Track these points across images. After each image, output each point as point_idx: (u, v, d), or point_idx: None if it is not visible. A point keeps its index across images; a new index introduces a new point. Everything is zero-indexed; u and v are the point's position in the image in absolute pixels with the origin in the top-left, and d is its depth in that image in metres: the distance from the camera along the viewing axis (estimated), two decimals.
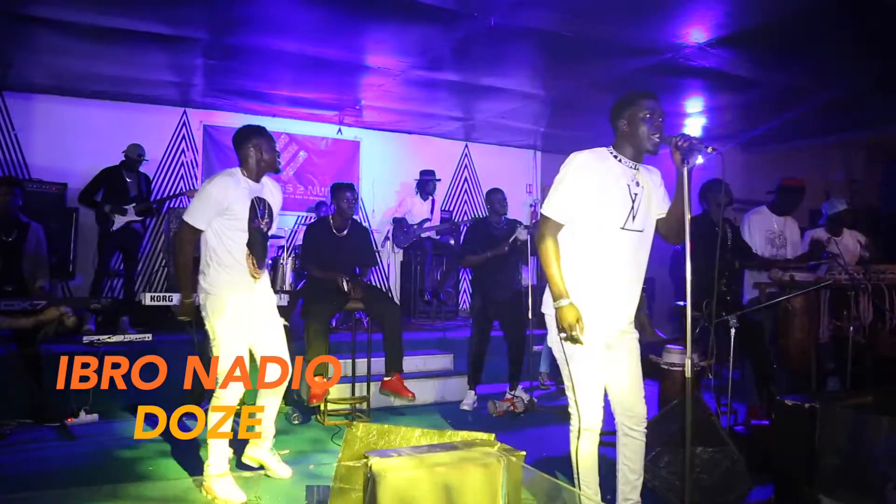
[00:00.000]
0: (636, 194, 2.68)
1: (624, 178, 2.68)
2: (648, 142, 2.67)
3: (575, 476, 2.70)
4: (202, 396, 5.07)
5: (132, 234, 6.14)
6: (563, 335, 2.60)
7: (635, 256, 2.72)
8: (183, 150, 7.77)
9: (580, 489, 2.67)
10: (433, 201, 8.01)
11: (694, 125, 7.58)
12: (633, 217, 2.67)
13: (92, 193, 6.06)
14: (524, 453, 2.21)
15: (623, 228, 2.66)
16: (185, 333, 5.05)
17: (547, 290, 2.79)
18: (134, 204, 6.05)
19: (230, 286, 3.42)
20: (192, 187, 7.59)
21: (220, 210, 3.35)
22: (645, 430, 2.77)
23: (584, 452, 2.69)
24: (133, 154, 6.14)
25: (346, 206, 4.96)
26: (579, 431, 2.68)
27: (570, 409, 2.74)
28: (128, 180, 6.13)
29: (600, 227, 2.66)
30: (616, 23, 4.68)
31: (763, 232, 4.94)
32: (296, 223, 8.15)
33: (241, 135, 3.54)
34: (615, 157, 2.72)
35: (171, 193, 7.01)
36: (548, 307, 2.76)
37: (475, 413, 5.44)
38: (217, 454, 3.41)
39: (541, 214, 2.76)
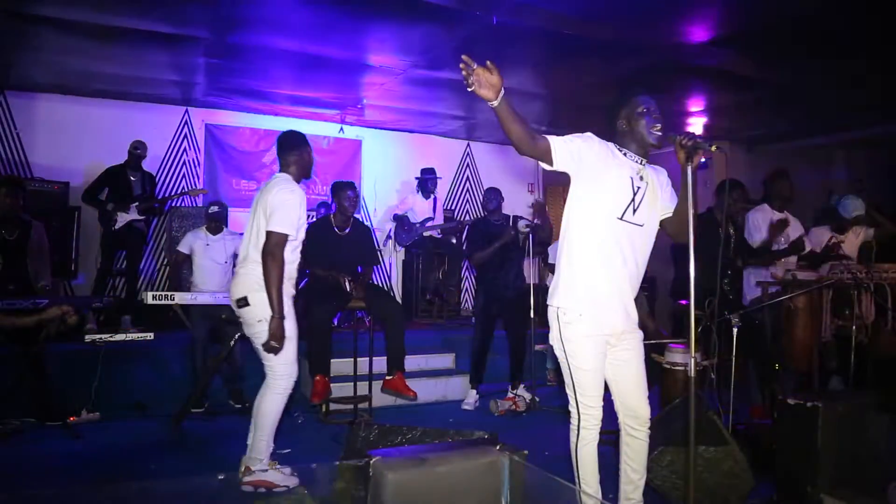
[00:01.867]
0: (639, 188, 2.67)
1: (627, 170, 2.68)
2: (651, 136, 2.67)
3: (575, 475, 2.69)
4: (204, 396, 5.10)
5: (135, 233, 6.15)
6: (465, 80, 2.37)
7: (634, 251, 2.70)
8: (185, 149, 7.78)
9: (580, 488, 2.66)
10: (435, 199, 8.01)
11: (696, 124, 7.58)
12: (634, 210, 2.66)
13: (96, 191, 6.08)
14: (526, 452, 2.21)
15: (621, 219, 2.65)
16: (186, 333, 5.10)
17: (553, 284, 2.77)
18: (137, 203, 6.07)
19: (288, 286, 3.49)
20: (193, 186, 7.59)
21: (301, 216, 3.47)
22: (648, 431, 2.77)
23: (584, 451, 2.68)
24: (130, 149, 6.14)
25: (349, 204, 4.96)
26: (579, 430, 2.68)
27: (569, 408, 2.73)
28: (132, 179, 6.15)
29: (598, 216, 2.65)
30: (618, 22, 4.67)
31: (766, 228, 4.92)
32: None
33: (293, 140, 3.63)
34: (621, 150, 2.72)
35: (174, 193, 7.01)
36: (553, 298, 2.75)
37: (477, 412, 5.44)
38: (270, 448, 3.48)
39: (546, 137, 2.61)
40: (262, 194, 3.50)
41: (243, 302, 3.43)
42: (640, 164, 2.72)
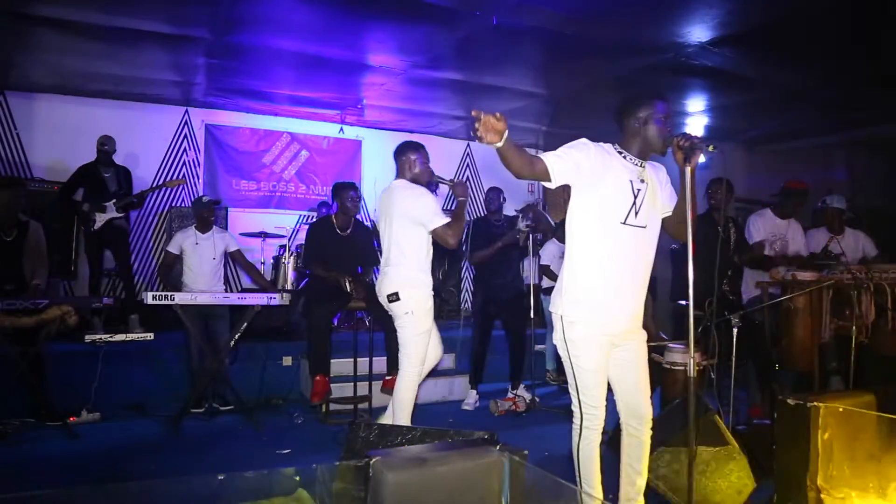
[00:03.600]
0: (639, 190, 2.68)
1: (626, 174, 2.68)
2: (660, 144, 2.68)
3: (577, 475, 2.69)
4: (203, 397, 5.09)
5: (116, 231, 6.03)
6: (473, 130, 2.41)
7: (639, 253, 2.72)
8: (185, 150, 7.78)
9: (581, 488, 2.66)
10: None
11: (696, 124, 7.57)
12: (636, 213, 2.67)
13: (70, 192, 5.97)
14: (526, 452, 2.20)
15: (624, 223, 2.66)
16: (186, 333, 5.09)
17: (557, 289, 2.78)
18: (114, 200, 5.96)
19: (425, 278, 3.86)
20: (194, 188, 7.58)
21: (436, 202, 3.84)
22: (650, 431, 2.77)
23: (586, 451, 2.68)
24: (98, 145, 6.01)
25: (351, 205, 4.97)
26: (581, 430, 2.68)
27: (572, 408, 2.73)
28: (105, 175, 6.01)
29: (601, 222, 2.66)
30: (618, 22, 4.67)
31: (766, 234, 4.92)
32: (297, 222, 8.16)
33: (403, 148, 4.00)
34: (620, 153, 2.73)
35: (151, 186, 6.94)
36: (555, 306, 2.76)
37: (477, 412, 5.44)
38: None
39: (539, 155, 2.62)
40: (387, 202, 3.92)
41: (394, 297, 3.77)
42: (640, 165, 2.72)
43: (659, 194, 2.76)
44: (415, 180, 3.90)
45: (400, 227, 3.78)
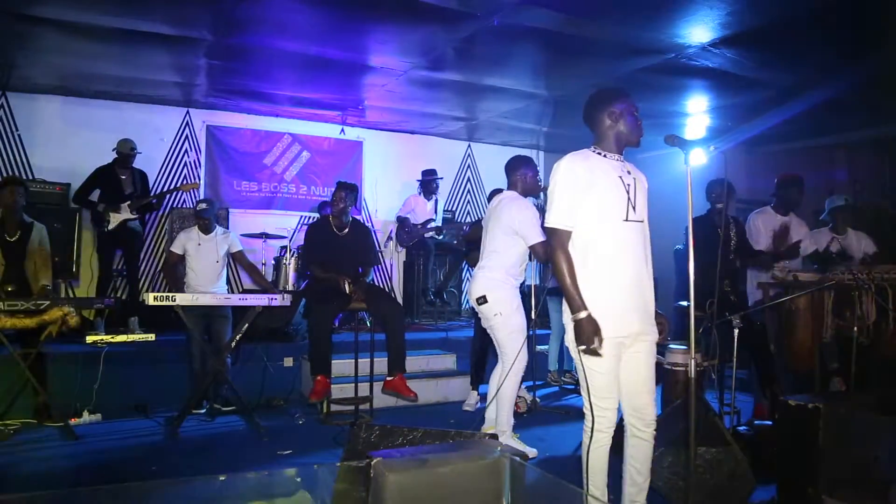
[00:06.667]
0: (629, 185, 2.71)
1: (614, 171, 2.71)
2: (634, 134, 2.74)
3: (584, 476, 2.69)
4: (204, 397, 5.09)
5: (130, 232, 6.09)
6: (582, 348, 2.58)
7: (643, 249, 2.74)
8: (186, 150, 7.78)
9: (588, 489, 2.67)
10: (436, 201, 8.02)
11: (697, 125, 7.57)
12: (633, 208, 2.70)
13: (86, 193, 6.04)
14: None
15: (626, 221, 2.68)
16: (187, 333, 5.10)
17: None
18: (129, 202, 6.00)
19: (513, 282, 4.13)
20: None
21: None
22: (654, 432, 2.77)
23: (596, 454, 2.69)
24: (125, 149, 6.09)
25: (343, 206, 4.97)
26: (592, 432, 2.68)
27: (584, 410, 2.74)
28: (122, 177, 6.08)
29: (604, 224, 2.67)
30: (619, 23, 4.68)
31: (768, 232, 4.92)
32: (298, 223, 8.17)
33: (514, 163, 4.24)
34: (599, 153, 2.75)
35: (166, 189, 6.99)
36: (567, 310, 2.76)
37: (478, 413, 5.42)
38: (511, 421, 4.10)
39: (546, 229, 2.76)
40: (496, 210, 4.15)
41: (482, 300, 4.03)
42: (621, 161, 2.77)
43: (643, 187, 2.80)
44: (526, 193, 4.18)
45: (502, 235, 4.04)
